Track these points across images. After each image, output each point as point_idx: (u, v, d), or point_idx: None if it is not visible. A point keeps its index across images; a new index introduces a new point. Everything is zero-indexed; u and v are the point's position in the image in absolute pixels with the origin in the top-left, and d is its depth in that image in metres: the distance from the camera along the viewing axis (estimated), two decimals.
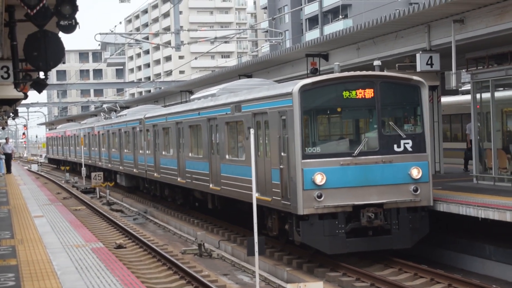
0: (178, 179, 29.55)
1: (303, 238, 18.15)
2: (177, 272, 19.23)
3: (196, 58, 53.49)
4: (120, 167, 42.59)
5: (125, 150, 40.99)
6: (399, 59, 24.18)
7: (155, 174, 33.82)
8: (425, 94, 19.20)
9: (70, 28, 12.18)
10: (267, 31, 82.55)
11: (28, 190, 33.71)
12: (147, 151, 35.35)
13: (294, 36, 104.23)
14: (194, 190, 28.14)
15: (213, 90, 27.01)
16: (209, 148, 25.38)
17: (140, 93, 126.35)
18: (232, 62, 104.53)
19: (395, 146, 18.73)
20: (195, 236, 24.48)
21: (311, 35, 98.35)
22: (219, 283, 17.70)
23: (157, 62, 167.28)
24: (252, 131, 19.52)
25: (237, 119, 22.50)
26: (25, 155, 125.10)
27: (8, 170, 47.62)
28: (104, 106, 56.96)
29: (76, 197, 42.16)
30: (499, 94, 21.83)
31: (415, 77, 19.43)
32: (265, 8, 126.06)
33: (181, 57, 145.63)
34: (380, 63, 21.99)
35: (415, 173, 18.58)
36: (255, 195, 17.87)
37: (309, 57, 28.86)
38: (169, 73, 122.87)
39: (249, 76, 38.17)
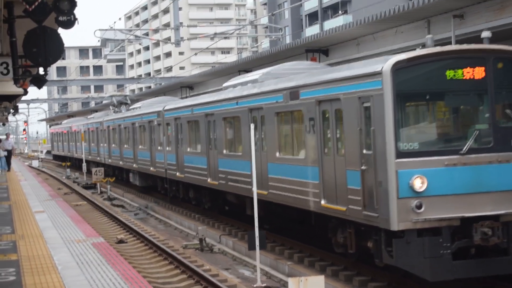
0: (208, 180, 25.63)
1: (397, 261, 14.35)
2: (178, 267, 19.28)
3: (196, 54, 53.35)
4: (134, 165, 38.93)
5: (140, 147, 37.23)
6: None
7: (177, 174, 29.89)
8: None
9: (69, 23, 12.22)
10: (267, 27, 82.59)
11: (29, 186, 33.76)
12: (168, 148, 31.49)
13: (294, 32, 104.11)
14: (228, 193, 24.32)
15: (253, 75, 23.33)
16: (251, 145, 21.11)
17: (140, 89, 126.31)
18: (232, 58, 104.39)
19: None
20: (196, 231, 24.52)
21: (311, 30, 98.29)
22: (220, 278, 17.74)
23: (157, 58, 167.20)
24: (252, 126, 18.38)
25: (293, 108, 18.62)
26: (25, 151, 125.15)
27: (8, 167, 46.55)
28: (114, 99, 52.77)
29: (77, 192, 42.21)
30: None
31: None
32: (265, 4, 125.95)
33: (181, 53, 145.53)
34: (490, 35, 17.58)
35: None
36: (255, 190, 17.90)
37: (309, 53, 28.88)
38: (169, 69, 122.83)
39: (249, 72, 38.19)
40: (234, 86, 24.17)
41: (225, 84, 25.59)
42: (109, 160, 46.65)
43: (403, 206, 14.12)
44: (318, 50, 28.76)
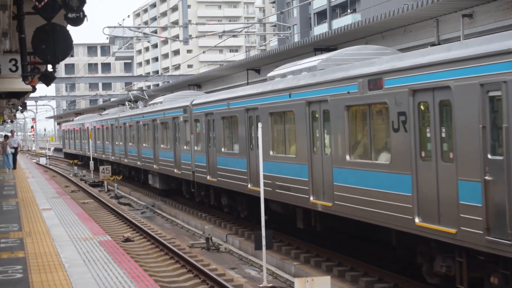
0: (249, 185, 22.20)
1: None
2: (184, 266, 19.26)
3: (204, 52, 53.35)
4: (154, 166, 35.44)
5: (162, 146, 33.87)
6: None
7: (208, 178, 26.25)
8: None
9: (78, 20, 12.19)
10: (275, 25, 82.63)
11: (36, 183, 33.78)
12: (196, 147, 27.98)
13: (303, 30, 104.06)
14: (273, 201, 20.86)
15: (308, 62, 19.78)
16: (311, 145, 18.00)
17: (148, 87, 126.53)
18: (240, 56, 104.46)
19: None
20: (203, 230, 24.49)
21: (320, 29, 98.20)
22: (227, 277, 17.71)
23: (165, 56, 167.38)
24: (260, 124, 17.60)
25: (372, 100, 15.08)
26: (33, 148, 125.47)
27: (14, 165, 45.12)
28: (130, 94, 49.78)
29: (84, 190, 42.24)
30: None
31: None
32: (274, 2, 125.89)
33: (189, 51, 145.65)
34: None
35: None
36: (263, 190, 17.82)
37: (317, 51, 28.82)
38: (177, 67, 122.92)
39: (257, 71, 38.16)
40: (283, 75, 20.66)
41: (270, 74, 22.08)
42: (125, 160, 43.67)
43: None
44: (327, 49, 28.69)
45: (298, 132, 18.79)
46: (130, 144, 42.02)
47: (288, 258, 19.60)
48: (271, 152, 20.54)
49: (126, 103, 48.98)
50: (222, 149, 24.84)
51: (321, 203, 17.37)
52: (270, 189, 20.01)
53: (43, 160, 74.27)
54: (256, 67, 36.51)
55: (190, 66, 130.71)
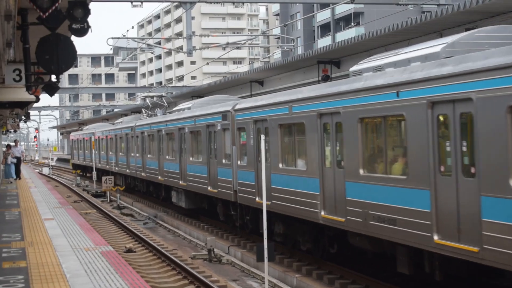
0: (322, 213, 17.28)
1: None
2: (186, 277, 19.24)
3: (207, 64, 53.37)
4: (180, 182, 30.76)
5: (191, 159, 29.22)
6: None
7: (257, 199, 21.62)
8: None
9: (82, 31, 12.22)
10: (279, 38, 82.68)
11: (39, 193, 33.78)
12: (240, 162, 23.24)
13: (306, 43, 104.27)
14: (356, 235, 16.37)
15: (421, 49, 14.87)
16: (433, 161, 13.04)
17: (152, 97, 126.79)
18: (243, 68, 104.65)
19: None
20: (205, 242, 24.47)
21: (323, 42, 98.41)
22: None
23: (169, 67, 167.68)
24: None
25: None
26: (36, 158, 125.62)
27: (17, 175, 44.61)
28: (148, 100, 46.12)
29: (86, 200, 42.24)
30: None
31: None
32: (277, 14, 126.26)
33: (192, 63, 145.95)
34: None
35: None
36: (265, 203, 17.77)
37: (320, 64, 28.91)
38: (180, 78, 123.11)
39: (260, 83, 38.21)
40: (377, 68, 15.88)
41: (354, 68, 17.10)
42: (143, 174, 39.07)
43: None
44: (330, 62, 28.80)
45: (412, 146, 13.65)
46: (149, 156, 37.60)
47: (290, 270, 19.57)
48: (361, 171, 15.40)
49: (143, 110, 46.01)
50: (280, 165, 19.85)
51: (449, 244, 12.67)
52: (354, 219, 15.60)
53: (46, 170, 74.31)
54: (260, 79, 36.49)
55: (193, 77, 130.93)
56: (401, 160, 14.22)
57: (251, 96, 35.50)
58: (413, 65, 14.28)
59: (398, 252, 14.79)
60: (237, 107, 23.68)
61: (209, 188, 26.60)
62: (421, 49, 14.79)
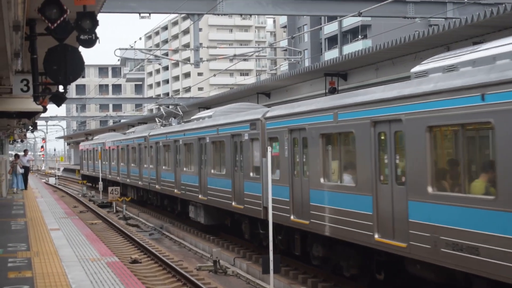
0: (376, 236, 14.96)
1: None
2: None
3: (215, 75, 53.43)
4: (199, 196, 28.44)
5: (212, 171, 26.93)
6: None
7: (292, 218, 19.40)
8: None
9: (90, 42, 12.25)
10: (286, 50, 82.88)
11: (45, 203, 33.84)
12: (274, 176, 19.77)
13: (313, 55, 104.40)
14: (419, 264, 14.08)
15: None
16: None
17: (158, 109, 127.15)
18: (250, 80, 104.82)
19: None
20: (211, 253, 24.43)
21: (330, 54, 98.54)
22: None
23: (176, 78, 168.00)
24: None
25: None
26: (43, 168, 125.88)
27: (25, 186, 44.08)
28: (162, 109, 44.81)
29: (92, 211, 42.26)
30: None
31: None
32: (285, 27, 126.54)
33: (200, 74, 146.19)
34: None
35: None
36: (271, 214, 17.72)
37: (327, 76, 28.95)
38: (187, 89, 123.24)
39: (267, 95, 38.24)
40: (448, 68, 13.54)
41: (416, 69, 14.75)
42: (157, 187, 36.86)
43: None
44: (337, 74, 28.84)
45: (502, 159, 11.25)
46: (164, 167, 35.34)
47: (295, 283, 19.53)
48: (429, 189, 13.09)
49: (157, 119, 43.97)
50: (321, 180, 17.49)
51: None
52: (418, 244, 13.36)
53: (52, 180, 74.40)
54: (266, 91, 36.50)
55: (200, 89, 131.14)
56: (485, 177, 11.96)
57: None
58: (498, 64, 11.81)
59: (475, 284, 12.79)
60: (268, 114, 21.36)
61: (233, 203, 24.33)
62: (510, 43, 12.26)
